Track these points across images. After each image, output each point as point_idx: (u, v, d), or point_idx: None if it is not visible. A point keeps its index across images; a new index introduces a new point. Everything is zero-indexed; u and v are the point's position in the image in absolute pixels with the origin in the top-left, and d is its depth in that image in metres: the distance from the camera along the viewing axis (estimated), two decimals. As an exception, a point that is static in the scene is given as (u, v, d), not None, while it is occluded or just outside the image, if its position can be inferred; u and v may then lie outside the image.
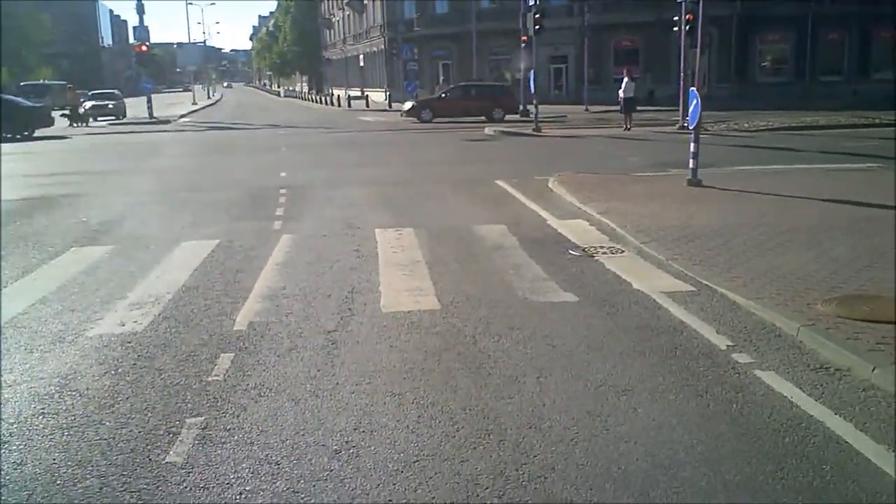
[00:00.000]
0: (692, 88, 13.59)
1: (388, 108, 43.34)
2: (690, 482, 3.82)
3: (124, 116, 40.80)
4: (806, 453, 4.11)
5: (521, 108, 33.87)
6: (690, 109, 13.28)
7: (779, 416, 4.56)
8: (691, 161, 12.90)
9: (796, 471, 3.93)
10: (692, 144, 12.81)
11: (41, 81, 61.23)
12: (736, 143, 21.54)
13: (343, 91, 56.05)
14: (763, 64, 49.37)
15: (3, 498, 3.77)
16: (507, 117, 32.63)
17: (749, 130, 25.31)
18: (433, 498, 3.68)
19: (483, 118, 32.29)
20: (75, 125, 35.95)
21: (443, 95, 35.80)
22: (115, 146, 25.40)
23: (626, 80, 26.90)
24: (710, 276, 7.39)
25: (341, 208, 11.99)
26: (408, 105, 35.50)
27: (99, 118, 39.72)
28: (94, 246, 9.64)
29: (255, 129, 32.63)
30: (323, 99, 56.48)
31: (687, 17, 21.71)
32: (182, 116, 42.17)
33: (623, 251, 8.87)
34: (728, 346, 5.73)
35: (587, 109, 37.20)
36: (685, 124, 21.42)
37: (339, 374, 5.22)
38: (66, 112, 37.48)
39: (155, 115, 40.03)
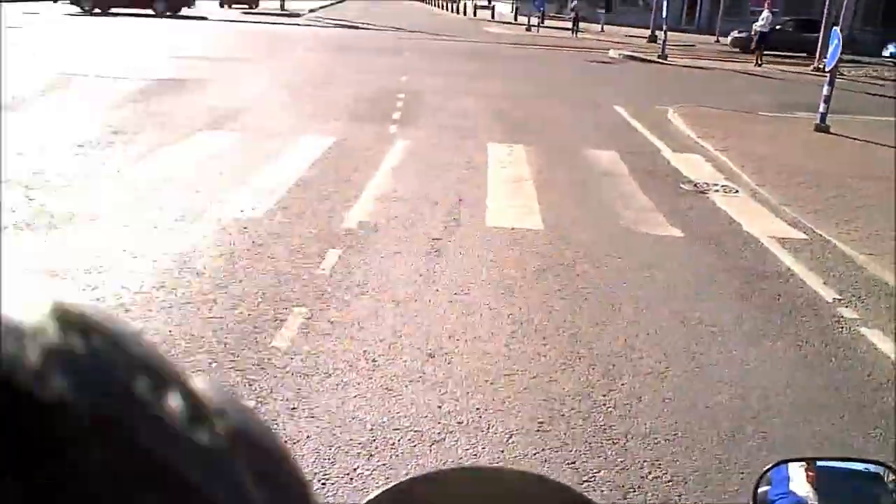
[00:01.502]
0: (834, 28, 12.74)
1: (513, 20, 42.34)
2: (777, 429, 3.82)
3: (256, 6, 41.38)
4: (903, 417, 4.03)
5: (650, 33, 32.54)
6: (830, 50, 12.49)
7: (880, 375, 4.46)
8: (822, 105, 12.22)
9: (889, 431, 3.86)
10: (825, 87, 12.11)
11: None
12: (874, 91, 20.20)
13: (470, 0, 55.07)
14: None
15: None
16: (634, 41, 31.48)
17: (890, 79, 23.64)
18: (519, 411, 3.81)
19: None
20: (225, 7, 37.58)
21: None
22: (245, 35, 25.92)
23: (765, 12, 25.38)
24: (825, 226, 7.12)
25: (456, 118, 12.00)
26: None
27: (233, 5, 40.44)
28: (220, 131, 10.02)
29: (381, 31, 32.64)
30: (449, 6, 55.64)
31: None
32: (312, 11, 42.43)
33: (737, 191, 8.60)
34: (835, 298, 5.57)
35: (718, 41, 35.37)
36: (821, 66, 20.17)
37: (440, 282, 5.36)
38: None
39: (286, 7, 40.49)
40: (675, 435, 3.71)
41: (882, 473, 1.18)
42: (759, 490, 1.15)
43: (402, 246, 6.05)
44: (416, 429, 3.60)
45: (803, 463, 1.18)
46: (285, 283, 5.21)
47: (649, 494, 3.25)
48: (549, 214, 7.11)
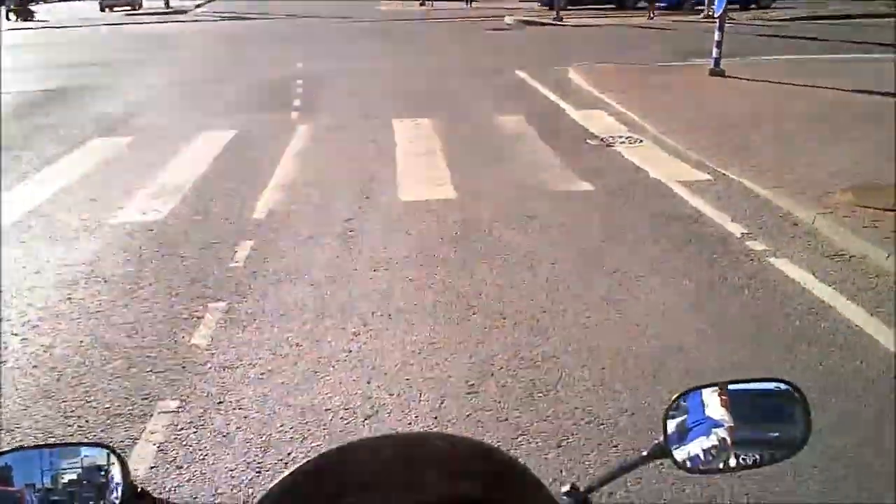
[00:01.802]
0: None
1: (402, -3, 42.11)
2: (699, 363, 3.91)
3: (140, 6, 39.94)
4: (817, 337, 4.18)
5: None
6: (717, -2, 12.84)
7: (791, 301, 4.62)
8: (714, 50, 12.59)
9: (806, 354, 4.01)
10: (716, 33, 12.48)
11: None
12: (763, 32, 20.89)
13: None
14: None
15: (35, 378, 3.93)
16: (528, 6, 31.68)
17: (777, 20, 24.48)
18: (449, 377, 3.80)
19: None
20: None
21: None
22: (131, 37, 25.01)
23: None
24: (728, 166, 7.32)
25: (358, 98, 11.86)
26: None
27: (115, 9, 38.95)
28: (114, 137, 9.65)
29: (272, 20, 31.95)
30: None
31: None
32: (199, 6, 41.22)
33: (641, 141, 8.78)
34: (743, 233, 5.74)
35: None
36: (710, 13, 20.71)
37: (357, 261, 5.30)
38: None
39: (171, 4, 39.27)
40: (602, 381, 3.77)
41: (790, 390, 1.20)
42: (678, 419, 1.17)
43: (315, 230, 5.96)
44: (347, 407, 3.56)
45: (716, 388, 1.20)
46: (198, 280, 5.07)
47: (583, 440, 3.29)
48: (461, 183, 7.11)
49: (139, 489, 1.09)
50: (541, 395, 3.64)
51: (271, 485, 0.92)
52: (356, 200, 6.65)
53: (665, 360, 3.95)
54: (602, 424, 3.42)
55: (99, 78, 14.91)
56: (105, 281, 5.10)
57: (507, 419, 3.45)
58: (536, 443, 3.28)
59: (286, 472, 0.92)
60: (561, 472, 3.09)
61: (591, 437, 3.32)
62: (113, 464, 1.06)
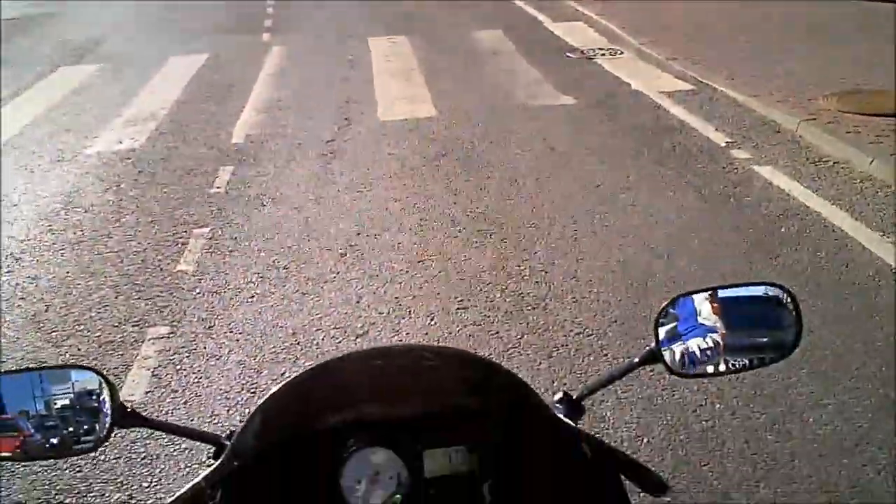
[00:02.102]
0: None
1: None
2: (687, 271, 3.94)
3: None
4: (802, 242, 4.22)
5: None
6: None
7: (776, 208, 4.63)
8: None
9: (792, 258, 4.05)
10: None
11: None
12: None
13: None
14: None
15: (23, 310, 3.90)
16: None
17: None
18: (438, 293, 3.81)
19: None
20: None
21: None
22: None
23: None
24: (711, 75, 7.24)
25: (331, 17, 11.54)
26: None
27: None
28: (82, 65, 9.37)
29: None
30: None
31: None
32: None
33: (622, 52, 8.65)
34: (727, 142, 5.72)
35: None
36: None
37: (340, 182, 5.25)
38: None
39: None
40: (590, 292, 3.79)
41: (780, 294, 1.20)
42: (669, 325, 1.17)
43: (295, 153, 5.87)
44: (338, 326, 3.57)
45: (707, 293, 1.20)
46: (180, 206, 5.00)
47: (572, 351, 3.33)
48: (441, 100, 7.00)
49: (129, 409, 1.09)
50: (530, 308, 3.66)
51: (265, 397, 0.91)
52: (335, 122, 6.54)
53: (653, 269, 3.97)
54: (592, 335, 3.45)
55: (63, 4, 14.39)
56: (85, 211, 5.02)
57: (497, 333, 3.48)
58: (527, 355, 3.31)
59: (279, 385, 0.91)
60: (552, 382, 3.13)
61: (582, 347, 3.36)
62: (102, 386, 1.06)
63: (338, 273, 4.06)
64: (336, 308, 3.73)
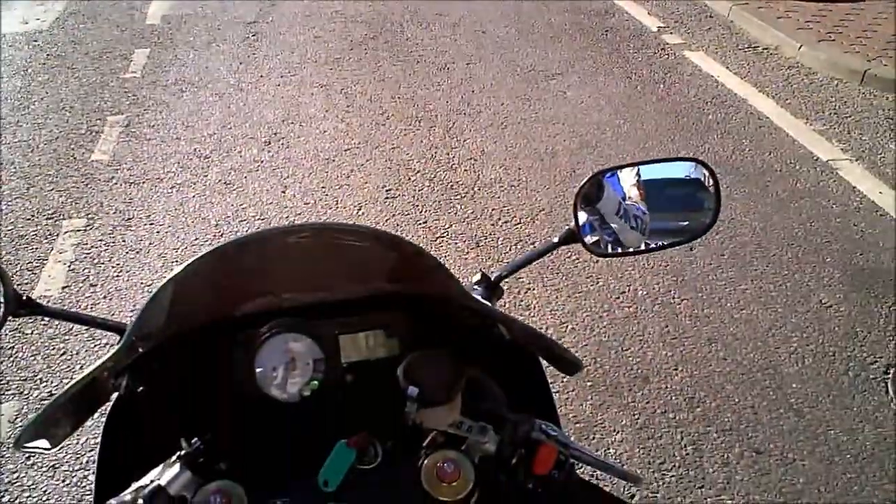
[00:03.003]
0: None
1: None
2: (615, 158, 3.94)
3: None
4: (728, 129, 4.25)
5: None
6: None
7: (704, 94, 4.64)
8: None
9: (718, 145, 4.08)
10: None
11: None
12: None
13: None
14: None
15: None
16: None
17: None
18: (366, 183, 3.75)
19: None
20: None
21: None
22: None
23: None
24: (646, -44, 7.08)
25: None
26: None
27: None
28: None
29: None
30: None
31: None
32: None
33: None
34: (659, 27, 5.66)
35: None
36: None
37: (263, 67, 5.03)
38: None
39: None
40: (518, 181, 3.77)
41: (701, 175, 1.21)
42: (591, 205, 1.15)
43: (215, 35, 5.58)
44: (262, 217, 3.49)
45: (630, 171, 1.19)
46: (93, 92, 4.75)
47: (499, 239, 3.34)
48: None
49: (25, 298, 1.03)
50: (458, 197, 3.64)
51: (168, 277, 0.86)
52: (257, 2, 6.22)
53: (582, 156, 3.97)
54: (519, 223, 3.46)
55: None
56: (-11, 96, 4.73)
57: (425, 222, 3.45)
58: (455, 244, 3.30)
59: (183, 265, 0.85)
60: (478, 271, 3.14)
61: (509, 236, 3.36)
62: None
63: (262, 162, 3.94)
64: (260, 198, 3.64)
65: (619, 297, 3.02)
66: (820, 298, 2.99)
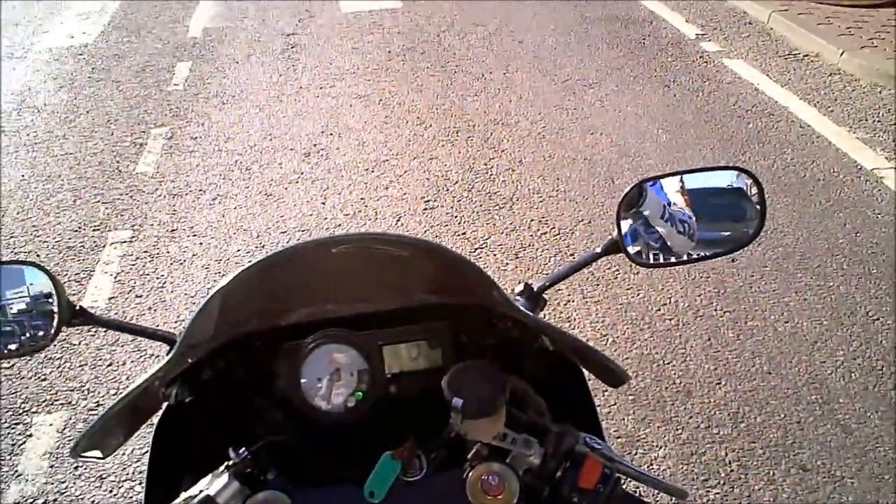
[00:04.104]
0: None
1: None
2: (655, 167, 3.92)
3: None
4: (769, 137, 4.20)
5: None
6: None
7: (744, 103, 4.59)
8: None
9: (759, 154, 4.04)
10: None
11: None
12: None
13: None
14: None
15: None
16: None
17: None
18: (405, 194, 3.77)
19: None
20: None
21: None
22: None
23: None
24: (684, -37, 7.02)
25: None
26: None
27: None
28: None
29: None
30: None
31: None
32: None
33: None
34: (697, 34, 5.61)
35: None
36: None
37: (302, 79, 5.09)
38: None
39: None
40: (557, 190, 3.77)
41: (745, 184, 1.19)
42: (634, 214, 1.15)
43: (255, 47, 5.66)
44: (303, 228, 3.53)
45: (674, 181, 1.18)
46: (137, 105, 4.84)
47: (539, 250, 3.33)
48: (405, -10, 6.75)
49: (77, 307, 1.06)
50: (497, 208, 3.64)
51: (216, 289, 0.87)
52: (295, 14, 6.29)
53: (621, 166, 3.95)
54: (558, 234, 3.45)
55: None
56: (38, 111, 4.85)
57: (464, 233, 3.46)
58: (494, 255, 3.31)
59: (230, 276, 0.86)
60: (519, 282, 3.13)
61: (548, 246, 3.36)
62: (49, 285, 1.04)
63: (302, 174, 3.99)
64: (301, 209, 3.68)
65: (660, 310, 3.00)
66: (867, 311, 2.94)
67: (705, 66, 5.09)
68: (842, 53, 4.95)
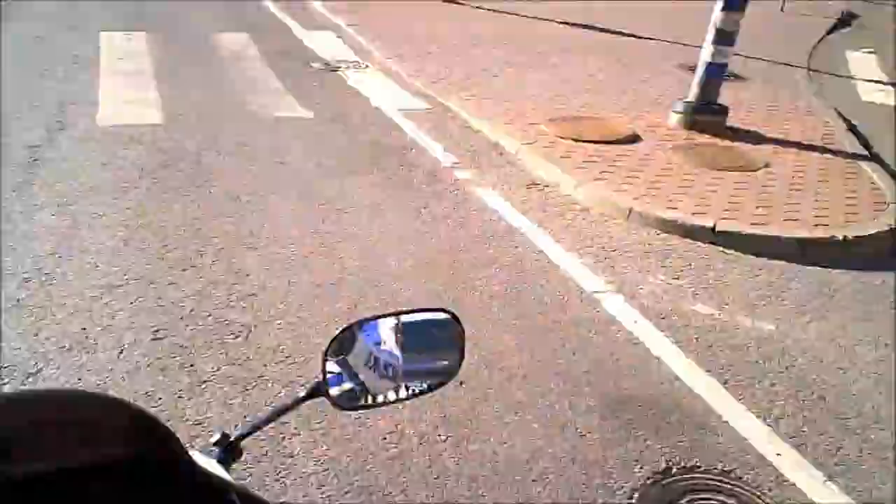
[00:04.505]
0: None
1: None
2: (398, 292, 4.00)
3: None
4: (507, 261, 4.45)
5: None
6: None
7: (488, 228, 4.85)
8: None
9: (495, 279, 4.25)
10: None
11: None
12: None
13: None
14: None
15: None
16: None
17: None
18: (133, 324, 3.57)
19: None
20: None
21: None
22: None
23: None
24: (448, 95, 7.47)
25: (60, 7, 10.57)
26: None
27: None
28: None
29: None
30: None
31: None
32: None
33: (367, 66, 8.71)
34: (453, 163, 5.92)
35: None
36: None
37: (39, 196, 4.77)
38: None
39: None
40: (298, 318, 3.73)
41: (450, 319, 1.25)
42: (344, 355, 1.16)
43: (-9, 159, 5.29)
44: (9, 363, 3.22)
45: (387, 321, 1.20)
46: None
47: (272, 382, 3.25)
48: (171, 106, 6.64)
49: None
50: (231, 336, 3.54)
51: None
52: (45, 125, 5.96)
53: (366, 292, 4.00)
54: (295, 363, 3.40)
55: None
56: None
57: (192, 365, 3.31)
58: (223, 389, 3.18)
59: None
60: (245, 417, 3.03)
61: (282, 377, 3.29)
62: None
63: (19, 301, 3.66)
64: (9, 343, 3.36)
65: (385, 437, 2.99)
66: (576, 427, 3.11)
67: (456, 193, 5.36)
68: (576, 185, 5.40)
